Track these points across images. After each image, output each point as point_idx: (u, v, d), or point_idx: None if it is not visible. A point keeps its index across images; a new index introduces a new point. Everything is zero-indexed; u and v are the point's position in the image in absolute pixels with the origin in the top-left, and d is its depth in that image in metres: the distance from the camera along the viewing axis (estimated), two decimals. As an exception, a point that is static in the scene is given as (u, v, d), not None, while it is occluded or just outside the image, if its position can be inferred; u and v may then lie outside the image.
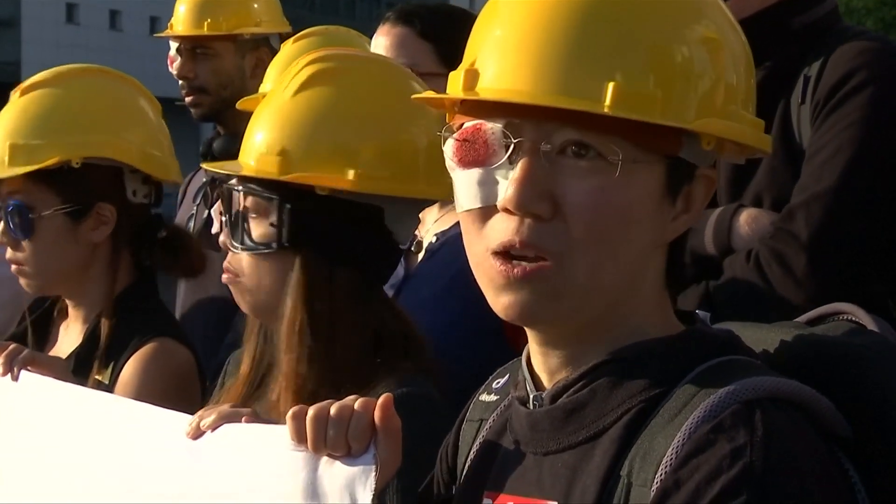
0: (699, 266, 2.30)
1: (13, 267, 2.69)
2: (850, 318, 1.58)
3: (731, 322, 1.58)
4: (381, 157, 2.11)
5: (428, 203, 2.32)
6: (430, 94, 1.57)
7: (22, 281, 2.72)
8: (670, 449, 1.32)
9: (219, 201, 2.25)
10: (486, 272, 1.44)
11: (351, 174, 2.07)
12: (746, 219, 2.32)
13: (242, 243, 2.11)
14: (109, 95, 2.82)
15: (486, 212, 1.43)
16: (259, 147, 2.13)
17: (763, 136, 1.51)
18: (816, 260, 2.22)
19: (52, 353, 2.72)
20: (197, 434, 1.81)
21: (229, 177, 2.20)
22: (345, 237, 2.10)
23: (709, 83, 1.43)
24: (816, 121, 2.29)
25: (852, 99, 2.27)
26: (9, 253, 2.68)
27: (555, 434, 1.45)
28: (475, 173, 1.43)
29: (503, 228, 1.41)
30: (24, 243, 2.65)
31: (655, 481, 1.32)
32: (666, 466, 1.32)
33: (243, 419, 1.80)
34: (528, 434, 1.49)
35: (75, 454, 2.03)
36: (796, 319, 1.64)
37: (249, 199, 2.12)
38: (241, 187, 2.13)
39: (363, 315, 2.10)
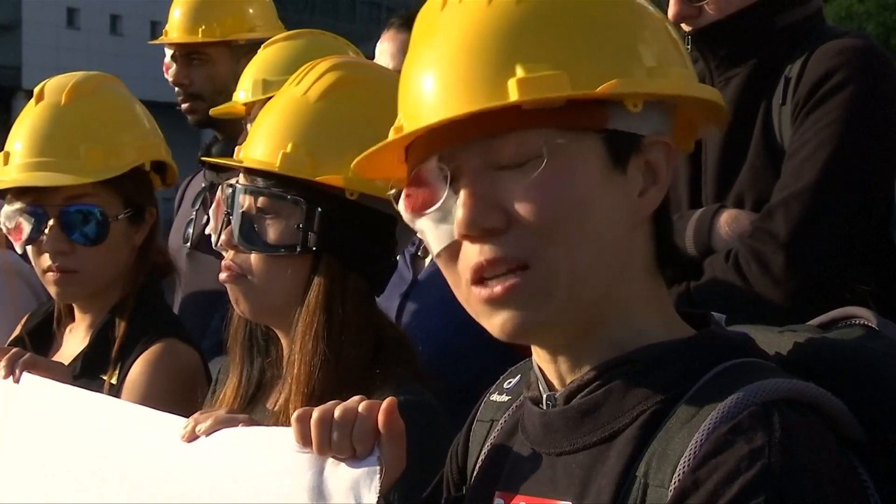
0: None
1: (49, 274, 2.61)
2: (863, 322, 1.57)
3: (744, 325, 1.56)
4: None
5: None
6: (367, 152, 1.55)
7: (63, 288, 2.63)
8: (688, 450, 1.31)
9: (212, 200, 2.22)
10: (473, 303, 1.45)
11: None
12: (727, 219, 2.32)
13: (254, 244, 2.07)
14: (122, 102, 2.83)
15: (454, 248, 1.45)
16: (279, 147, 2.09)
17: (697, 85, 1.49)
18: (795, 258, 2.20)
19: (56, 357, 2.70)
20: (192, 438, 1.80)
21: (234, 173, 2.16)
22: (359, 243, 2.10)
23: (614, 48, 1.42)
24: (797, 120, 2.30)
25: (833, 97, 2.27)
26: (46, 260, 2.60)
27: (569, 434, 1.44)
28: (432, 217, 1.45)
29: (469, 255, 1.43)
30: (84, 248, 2.60)
31: (673, 482, 1.31)
32: (684, 467, 1.31)
33: (240, 425, 1.79)
34: (541, 434, 1.48)
35: (75, 455, 2.03)
36: (808, 323, 1.62)
37: (262, 198, 2.08)
38: (252, 185, 2.09)
39: (367, 321, 2.09)
